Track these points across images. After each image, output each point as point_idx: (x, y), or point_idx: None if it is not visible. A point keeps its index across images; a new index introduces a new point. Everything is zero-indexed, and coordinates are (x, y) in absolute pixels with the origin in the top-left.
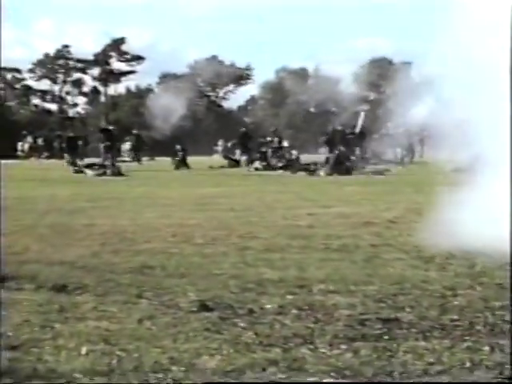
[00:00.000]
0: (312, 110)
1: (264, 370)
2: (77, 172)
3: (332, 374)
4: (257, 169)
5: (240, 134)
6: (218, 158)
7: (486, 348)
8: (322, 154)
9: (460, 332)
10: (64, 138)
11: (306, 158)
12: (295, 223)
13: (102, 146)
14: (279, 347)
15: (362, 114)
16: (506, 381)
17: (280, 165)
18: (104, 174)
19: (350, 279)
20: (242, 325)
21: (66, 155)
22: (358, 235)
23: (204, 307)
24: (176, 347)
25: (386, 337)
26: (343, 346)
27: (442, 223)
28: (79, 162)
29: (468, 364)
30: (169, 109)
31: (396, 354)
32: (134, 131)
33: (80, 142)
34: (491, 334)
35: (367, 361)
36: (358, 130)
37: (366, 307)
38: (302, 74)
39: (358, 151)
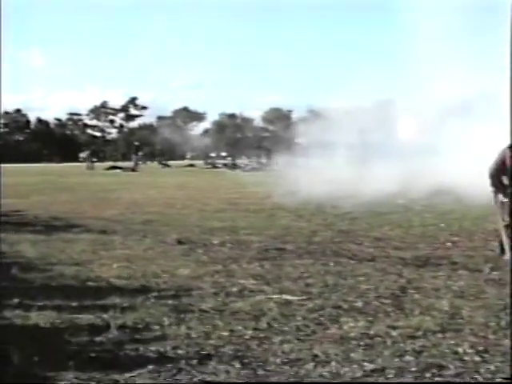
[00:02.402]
0: (239, 135)
1: (212, 276)
2: (108, 169)
3: (249, 278)
4: (207, 168)
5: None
6: (187, 162)
7: (332, 264)
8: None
9: (318, 255)
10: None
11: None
12: (230, 197)
13: (133, 155)
14: (221, 264)
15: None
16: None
17: (220, 165)
18: (126, 170)
19: (259, 227)
20: (200, 252)
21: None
22: (263, 203)
23: (180, 242)
24: (165, 264)
25: (279, 258)
26: (255, 263)
27: (307, 196)
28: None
29: (322, 272)
30: (161, 136)
31: (283, 267)
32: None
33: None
34: (335, 256)
35: (269, 271)
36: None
37: (268, 242)
38: (233, 116)
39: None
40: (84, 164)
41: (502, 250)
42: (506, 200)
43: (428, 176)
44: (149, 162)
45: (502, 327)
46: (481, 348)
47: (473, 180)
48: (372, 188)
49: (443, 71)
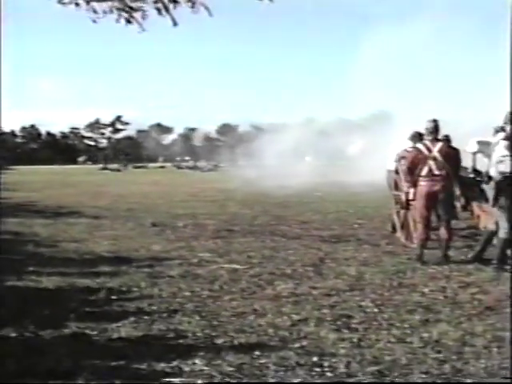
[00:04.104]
0: (198, 144)
1: (178, 250)
2: (102, 169)
3: (206, 251)
4: (174, 169)
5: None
6: (159, 165)
7: (268, 241)
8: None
9: (258, 234)
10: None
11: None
12: (193, 191)
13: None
14: (184, 241)
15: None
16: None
17: (184, 167)
18: (113, 171)
19: (214, 213)
20: (169, 232)
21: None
22: (218, 195)
23: (154, 225)
24: (143, 241)
25: (228, 237)
26: (211, 241)
27: (250, 190)
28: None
29: (260, 247)
30: (140, 145)
31: (232, 244)
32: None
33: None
34: (270, 235)
35: (220, 247)
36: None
37: (220, 225)
38: (193, 130)
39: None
40: (81, 166)
41: (394, 230)
42: (411, 190)
43: (339, 174)
44: (130, 165)
45: (394, 286)
46: (378, 302)
47: (374, 178)
48: (297, 183)
49: (358, 92)
